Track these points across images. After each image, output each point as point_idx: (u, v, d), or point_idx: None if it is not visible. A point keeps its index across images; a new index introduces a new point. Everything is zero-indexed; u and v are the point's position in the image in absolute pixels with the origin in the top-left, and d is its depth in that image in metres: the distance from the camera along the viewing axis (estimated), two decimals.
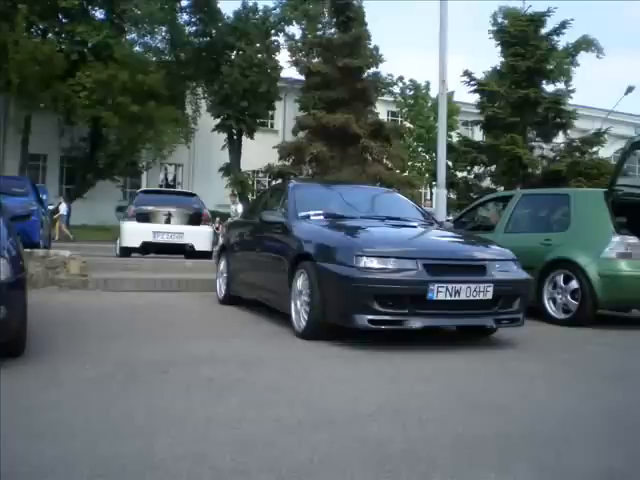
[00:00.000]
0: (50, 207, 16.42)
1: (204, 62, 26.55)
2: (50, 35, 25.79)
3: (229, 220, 14.95)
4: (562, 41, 21.74)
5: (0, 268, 3.37)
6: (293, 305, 4.90)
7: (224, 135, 27.27)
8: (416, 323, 4.32)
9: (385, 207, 6.04)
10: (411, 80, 30.13)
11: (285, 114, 31.23)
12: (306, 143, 22.79)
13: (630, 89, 27.77)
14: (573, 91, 21.71)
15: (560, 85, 23.80)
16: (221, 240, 9.97)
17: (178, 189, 27.26)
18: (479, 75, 20.10)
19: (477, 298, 4.42)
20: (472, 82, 19.28)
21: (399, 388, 3.38)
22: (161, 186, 29.56)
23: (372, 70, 24.78)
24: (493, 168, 19.07)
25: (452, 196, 17.75)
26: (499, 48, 19.61)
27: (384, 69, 34.03)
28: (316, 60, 24.52)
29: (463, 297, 4.36)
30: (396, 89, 29.23)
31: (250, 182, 28.27)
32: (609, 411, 3.11)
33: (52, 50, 22.84)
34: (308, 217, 5.35)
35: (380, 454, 2.34)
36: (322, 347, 4.40)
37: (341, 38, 23.76)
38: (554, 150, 19.11)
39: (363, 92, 23.87)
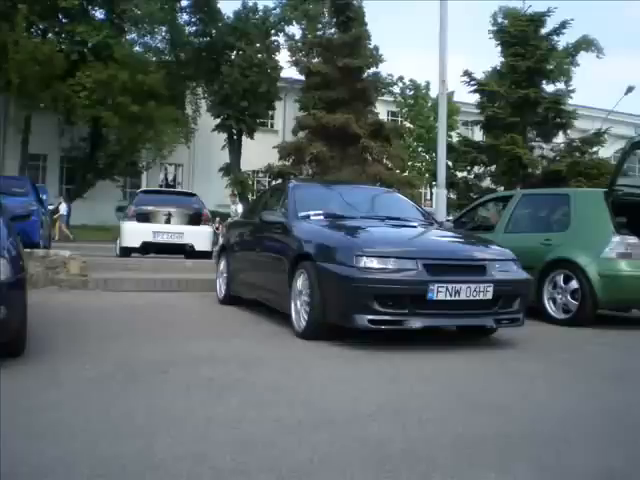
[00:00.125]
0: (50, 207, 16.41)
1: (204, 62, 26.55)
2: (50, 35, 25.79)
3: (229, 220, 14.94)
4: (562, 41, 21.81)
5: (0, 268, 3.38)
6: (293, 305, 4.91)
7: (224, 135, 27.27)
8: (416, 323, 4.32)
9: (385, 207, 6.04)
10: (411, 80, 30.18)
11: (285, 114, 31.23)
12: (306, 143, 22.79)
13: (630, 89, 27.79)
14: (573, 91, 21.75)
15: (560, 85, 23.86)
16: (221, 240, 9.97)
17: (178, 189, 27.24)
18: (479, 75, 20.15)
19: (477, 298, 4.42)
20: (472, 82, 19.29)
21: (399, 388, 3.38)
22: (161, 186, 29.55)
23: (372, 70, 24.82)
24: (493, 168, 19.07)
25: (452, 196, 17.74)
26: (499, 48, 19.62)
27: (384, 69, 34.11)
28: (316, 60, 24.53)
29: (463, 297, 4.36)
30: (396, 89, 29.25)
31: (250, 182, 28.27)
32: (609, 411, 3.11)
33: (52, 50, 22.84)
34: (308, 217, 5.35)
35: (380, 454, 2.34)
36: (322, 347, 4.40)
37: (341, 38, 23.76)
38: (554, 150, 19.11)
39: (363, 92, 23.87)
